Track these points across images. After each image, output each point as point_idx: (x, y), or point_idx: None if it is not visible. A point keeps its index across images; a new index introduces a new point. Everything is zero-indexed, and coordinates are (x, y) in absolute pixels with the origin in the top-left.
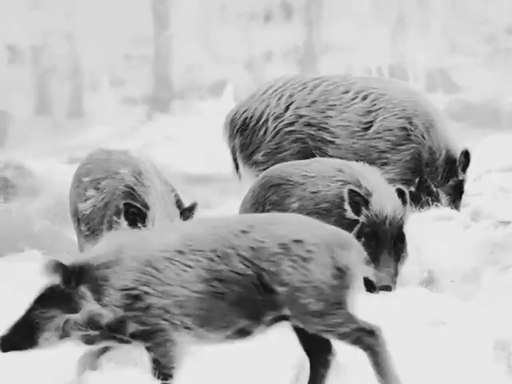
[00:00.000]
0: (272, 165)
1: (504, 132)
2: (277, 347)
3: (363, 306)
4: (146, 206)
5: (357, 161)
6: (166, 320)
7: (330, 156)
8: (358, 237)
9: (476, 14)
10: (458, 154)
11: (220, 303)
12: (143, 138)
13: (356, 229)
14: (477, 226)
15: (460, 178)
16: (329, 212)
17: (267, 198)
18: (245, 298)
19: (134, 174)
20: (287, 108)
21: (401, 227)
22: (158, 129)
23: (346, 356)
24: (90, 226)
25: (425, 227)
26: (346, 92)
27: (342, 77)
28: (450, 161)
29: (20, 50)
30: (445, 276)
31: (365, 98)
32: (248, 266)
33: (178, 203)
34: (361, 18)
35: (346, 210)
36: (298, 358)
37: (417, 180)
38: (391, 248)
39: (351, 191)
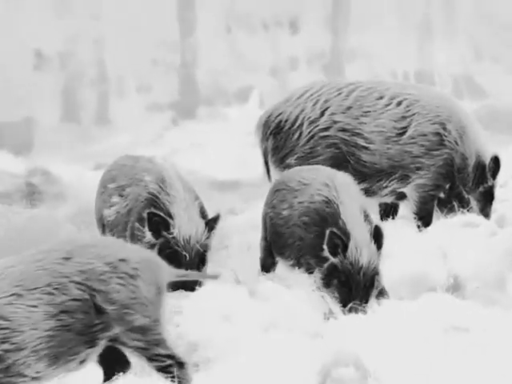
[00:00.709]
0: None
1: None
2: (301, 354)
3: (390, 311)
4: (170, 215)
5: (392, 166)
6: (24, 376)
7: (364, 162)
8: (329, 275)
9: (502, 20)
10: (488, 160)
11: (68, 335)
12: (170, 145)
13: (326, 265)
14: (503, 232)
15: (489, 183)
16: (308, 227)
17: (272, 201)
18: (85, 323)
19: (158, 182)
20: (322, 113)
21: (374, 276)
22: (184, 135)
23: (374, 361)
24: (114, 232)
25: (451, 233)
26: (381, 98)
27: (377, 82)
28: (480, 167)
29: (47, 55)
30: (471, 283)
31: (399, 103)
32: (83, 290)
33: (202, 211)
34: (386, 25)
35: (324, 248)
36: (323, 364)
37: (447, 186)
38: (363, 297)
39: (332, 233)
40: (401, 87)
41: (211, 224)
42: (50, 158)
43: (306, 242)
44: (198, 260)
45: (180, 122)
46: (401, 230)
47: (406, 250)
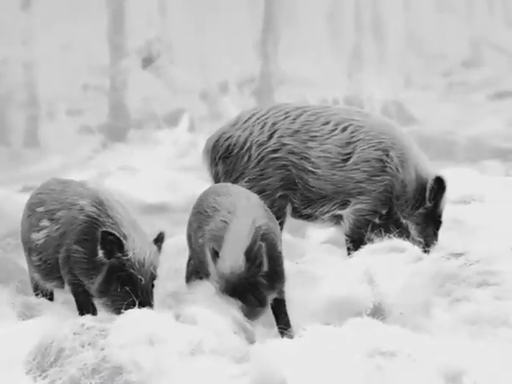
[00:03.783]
0: (257, 191)
1: (459, 165)
2: (228, 378)
3: (316, 336)
4: (124, 236)
5: (335, 192)
6: None
7: (311, 187)
8: None
9: (432, 49)
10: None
11: None
12: (99, 168)
13: None
14: (429, 257)
15: (428, 205)
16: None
17: (192, 224)
18: None
19: (95, 205)
20: (271, 136)
21: (253, 283)
22: (114, 158)
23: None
24: (43, 255)
25: (377, 258)
26: (327, 123)
27: (324, 107)
28: (423, 190)
29: None
30: (396, 308)
31: (344, 129)
32: None
33: None
34: (317, 52)
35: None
36: None
37: (384, 212)
38: (248, 303)
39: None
40: (346, 113)
41: (159, 244)
42: None
43: None
44: (151, 283)
45: (110, 145)
46: (327, 254)
47: (332, 274)
